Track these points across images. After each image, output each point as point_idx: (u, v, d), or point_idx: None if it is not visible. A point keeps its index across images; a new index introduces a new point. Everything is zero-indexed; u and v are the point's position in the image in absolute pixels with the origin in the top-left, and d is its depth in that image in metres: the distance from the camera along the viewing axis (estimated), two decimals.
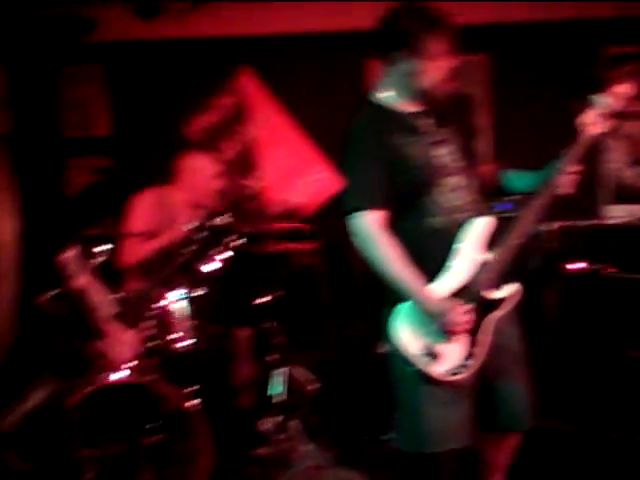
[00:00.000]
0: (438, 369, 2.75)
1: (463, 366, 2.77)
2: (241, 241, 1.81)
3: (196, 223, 1.79)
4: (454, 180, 2.82)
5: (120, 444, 3.43)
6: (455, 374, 2.76)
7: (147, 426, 3.45)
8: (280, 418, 4.07)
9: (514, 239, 2.80)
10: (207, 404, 3.74)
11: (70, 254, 2.04)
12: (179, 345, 3.74)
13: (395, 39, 2.78)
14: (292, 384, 4.36)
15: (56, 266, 2.00)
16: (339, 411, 4.51)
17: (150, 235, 4.24)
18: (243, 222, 1.77)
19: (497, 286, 2.82)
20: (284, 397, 4.18)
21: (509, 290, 2.84)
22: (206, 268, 1.78)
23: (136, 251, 4.17)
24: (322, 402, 4.48)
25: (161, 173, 4.64)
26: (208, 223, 1.78)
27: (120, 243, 4.15)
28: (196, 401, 3.64)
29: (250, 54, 5.27)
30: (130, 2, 5.06)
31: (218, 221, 1.79)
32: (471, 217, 2.81)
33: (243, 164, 5.38)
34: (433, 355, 2.75)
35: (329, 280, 5.13)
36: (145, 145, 5.34)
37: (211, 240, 1.77)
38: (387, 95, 2.89)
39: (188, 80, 5.31)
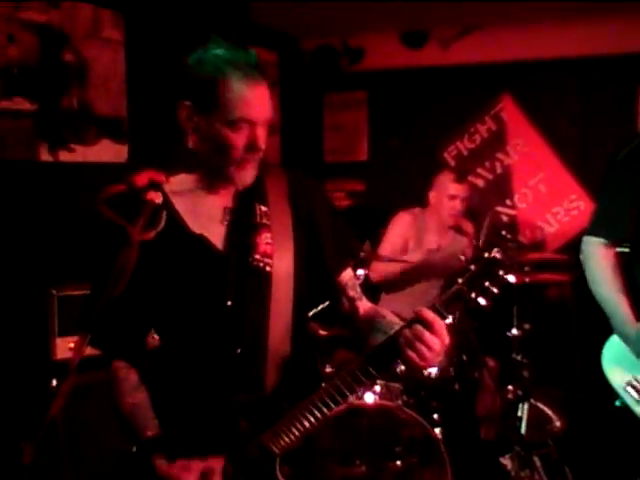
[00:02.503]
0: None
1: None
2: (514, 276, 1.79)
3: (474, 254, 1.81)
4: None
5: (364, 465, 3.57)
6: None
7: (392, 450, 3.56)
8: (522, 454, 4.00)
9: None
10: (450, 433, 3.78)
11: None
12: (427, 372, 3.82)
13: None
14: (535, 420, 4.27)
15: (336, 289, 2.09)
16: (584, 453, 4.35)
17: (401, 255, 4.40)
18: (513, 254, 1.77)
19: None
20: (526, 433, 4.11)
21: None
22: (481, 300, 1.78)
23: (386, 269, 4.35)
24: (567, 442, 4.35)
25: (417, 196, 4.75)
26: (487, 254, 1.79)
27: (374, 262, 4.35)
28: (440, 429, 3.69)
29: (513, 80, 5.22)
30: (398, 31, 5.20)
31: (496, 253, 1.79)
32: None
33: (499, 190, 5.35)
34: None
35: (580, 315, 4.96)
36: (402, 171, 5.46)
37: (486, 271, 1.78)
38: None
39: (449, 106, 5.36)
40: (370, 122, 5.63)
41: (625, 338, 2.67)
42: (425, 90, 5.39)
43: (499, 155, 5.34)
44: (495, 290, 1.74)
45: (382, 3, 4.56)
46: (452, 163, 5.41)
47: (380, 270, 4.33)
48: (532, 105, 5.22)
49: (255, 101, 1.80)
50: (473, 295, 1.73)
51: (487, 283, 1.74)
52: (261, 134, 1.81)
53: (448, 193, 4.41)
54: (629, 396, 2.64)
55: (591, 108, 5.03)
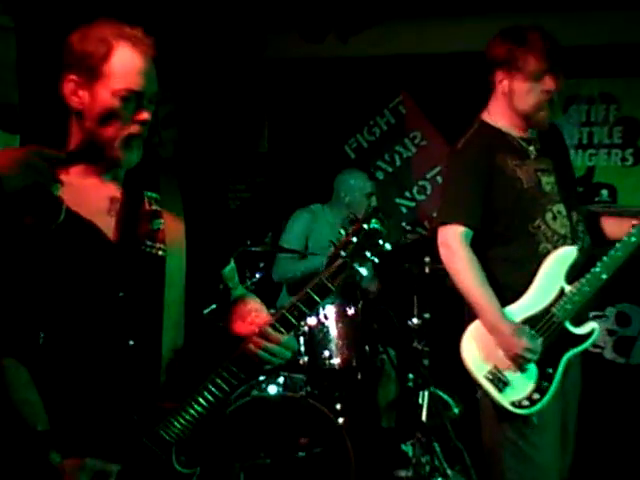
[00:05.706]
0: (504, 398, 2.67)
1: (530, 399, 2.66)
2: (390, 246, 1.88)
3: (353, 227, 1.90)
4: (558, 208, 2.78)
5: (268, 457, 3.57)
6: (522, 407, 2.66)
7: (296, 441, 3.57)
8: (422, 440, 4.07)
9: (603, 274, 2.70)
10: (353, 422, 3.81)
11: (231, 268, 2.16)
12: (329, 362, 3.84)
13: (495, 58, 2.81)
14: (435, 407, 4.35)
15: (219, 279, 2.11)
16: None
17: (303, 253, 4.43)
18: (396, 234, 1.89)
19: (579, 322, 2.73)
20: (426, 420, 4.18)
21: (590, 327, 2.73)
22: (363, 270, 1.86)
23: (289, 268, 4.38)
24: (466, 427, 4.44)
25: (317, 191, 4.77)
26: (366, 226, 1.87)
27: (276, 258, 4.39)
28: (343, 419, 3.72)
29: (411, 74, 5.30)
30: (296, 27, 5.17)
31: (375, 224, 1.88)
32: (569, 246, 2.74)
33: (399, 183, 5.45)
34: (500, 382, 2.67)
35: None
36: (301, 163, 5.47)
37: (367, 242, 1.86)
38: (496, 116, 2.87)
39: (349, 98, 5.40)
40: (270, 114, 5.60)
41: (497, 330, 2.66)
42: (325, 82, 5.40)
43: (398, 148, 5.43)
44: (375, 260, 1.82)
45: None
46: (352, 156, 5.47)
47: (281, 270, 4.39)
48: (429, 99, 5.32)
49: (142, 73, 1.79)
50: (356, 265, 1.82)
51: (368, 253, 1.82)
52: (147, 107, 1.82)
53: (366, 192, 4.46)
54: (490, 386, 2.67)
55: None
